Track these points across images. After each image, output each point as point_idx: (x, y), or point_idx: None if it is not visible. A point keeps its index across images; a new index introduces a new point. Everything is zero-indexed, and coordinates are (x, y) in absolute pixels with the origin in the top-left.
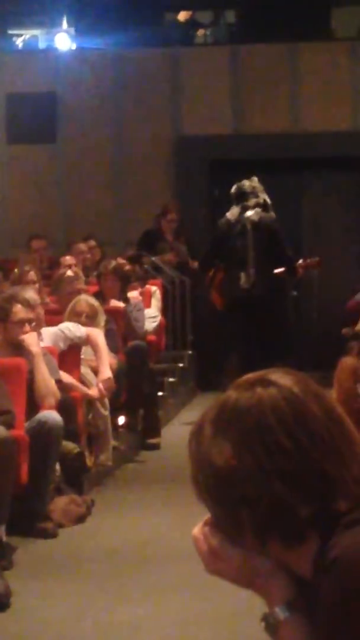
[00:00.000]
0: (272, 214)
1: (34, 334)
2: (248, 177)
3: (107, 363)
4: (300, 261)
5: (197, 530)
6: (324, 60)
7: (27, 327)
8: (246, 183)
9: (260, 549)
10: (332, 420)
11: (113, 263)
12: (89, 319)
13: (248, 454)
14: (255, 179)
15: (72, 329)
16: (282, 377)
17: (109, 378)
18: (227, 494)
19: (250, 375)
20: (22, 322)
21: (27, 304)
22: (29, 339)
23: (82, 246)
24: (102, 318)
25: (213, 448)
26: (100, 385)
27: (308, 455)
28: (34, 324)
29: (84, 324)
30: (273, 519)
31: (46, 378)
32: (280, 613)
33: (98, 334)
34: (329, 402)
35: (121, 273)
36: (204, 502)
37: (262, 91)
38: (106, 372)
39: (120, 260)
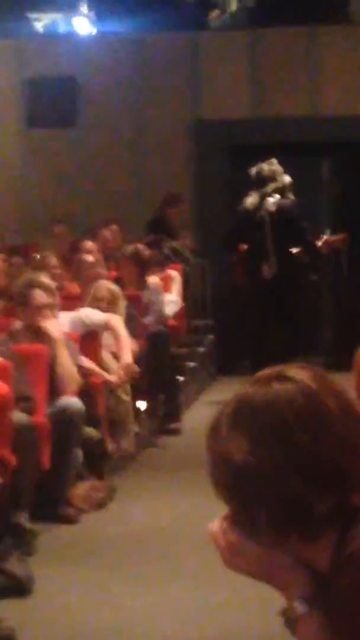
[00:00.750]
0: (291, 198)
1: (54, 320)
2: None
3: (128, 349)
4: (325, 237)
5: (215, 525)
6: (343, 43)
7: (47, 312)
8: (265, 167)
9: (278, 544)
10: (348, 416)
11: (131, 248)
12: (110, 305)
13: (265, 450)
14: (274, 161)
15: (90, 315)
16: (299, 373)
17: (130, 364)
18: (245, 489)
19: (267, 371)
20: (42, 307)
21: (47, 289)
22: (50, 324)
23: (107, 232)
24: (122, 304)
25: (230, 444)
26: (121, 371)
27: (324, 451)
28: (54, 309)
29: (104, 310)
30: (290, 514)
31: (68, 364)
32: (299, 607)
33: (118, 320)
34: (346, 398)
35: (139, 258)
36: (222, 497)
37: (281, 75)
38: (127, 358)
39: (139, 246)
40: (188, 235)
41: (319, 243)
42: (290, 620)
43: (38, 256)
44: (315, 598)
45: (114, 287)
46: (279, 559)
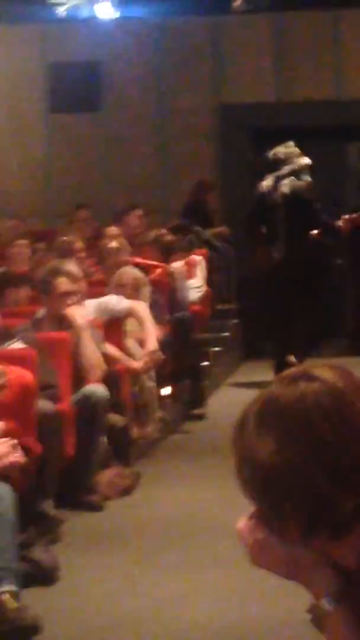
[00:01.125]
0: (306, 180)
1: (78, 307)
2: (298, 146)
3: (153, 335)
4: (346, 217)
5: (242, 523)
6: None
7: (71, 300)
8: (281, 150)
9: (305, 542)
10: None
11: (153, 234)
12: (134, 291)
13: (291, 449)
14: (291, 143)
15: (114, 302)
16: (325, 372)
17: (155, 350)
18: (271, 488)
19: (293, 369)
20: (66, 295)
21: (71, 277)
22: (74, 311)
23: (131, 218)
24: (146, 290)
25: (257, 443)
26: (146, 358)
27: (351, 450)
28: (78, 296)
29: (128, 296)
30: (318, 513)
31: (92, 351)
32: (327, 605)
33: (142, 307)
34: None
35: (161, 244)
36: (249, 495)
37: (305, 59)
38: (152, 344)
39: (161, 231)
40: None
41: (340, 223)
42: (317, 617)
43: (65, 238)
44: (342, 595)
45: (138, 273)
46: (306, 556)
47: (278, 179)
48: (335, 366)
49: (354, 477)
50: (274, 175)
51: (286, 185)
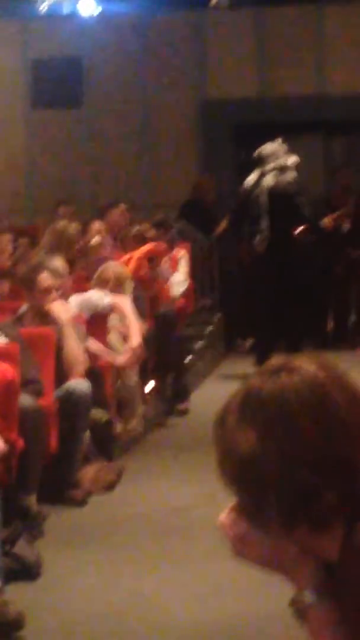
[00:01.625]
0: (291, 176)
1: (61, 302)
2: (273, 141)
3: (136, 330)
4: (334, 215)
5: (224, 516)
6: (350, 22)
7: (53, 295)
8: (267, 147)
9: (287, 534)
10: (355, 407)
11: (135, 229)
12: (116, 286)
13: (272, 441)
14: (279, 140)
15: (97, 297)
16: (306, 363)
17: (138, 346)
18: (253, 480)
19: (274, 361)
20: (48, 290)
21: (54, 272)
22: (57, 307)
23: (115, 213)
24: (129, 285)
25: (238, 435)
26: (130, 353)
27: (332, 442)
28: (60, 291)
29: (111, 291)
30: (298, 505)
31: (75, 346)
32: (309, 597)
33: (125, 302)
34: (353, 389)
35: (143, 239)
36: (230, 488)
37: (287, 54)
38: (136, 340)
39: (144, 226)
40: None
41: (325, 220)
42: (299, 609)
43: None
44: (324, 588)
45: (121, 268)
46: (288, 549)
47: (263, 174)
48: (316, 358)
49: (334, 469)
50: (259, 170)
51: (270, 180)
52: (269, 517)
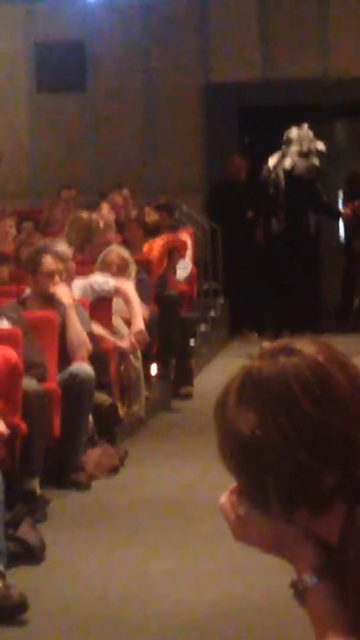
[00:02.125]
0: (312, 162)
1: (65, 286)
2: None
3: (139, 315)
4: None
5: (224, 498)
6: (354, 4)
7: (57, 279)
8: (294, 131)
9: (287, 516)
10: (356, 389)
11: (135, 212)
12: (120, 270)
13: (272, 423)
14: (305, 126)
15: (100, 281)
16: (306, 346)
17: (141, 330)
18: (253, 462)
19: (274, 344)
20: (52, 274)
21: (57, 256)
22: (61, 291)
23: (117, 197)
24: (133, 268)
25: (238, 417)
26: (132, 337)
27: (332, 424)
28: (64, 275)
29: (114, 275)
30: (298, 487)
31: (78, 330)
32: (309, 580)
33: (128, 286)
34: (354, 371)
35: (143, 222)
36: (230, 470)
37: (291, 36)
38: (138, 324)
39: (147, 209)
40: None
41: (345, 209)
42: (299, 592)
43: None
44: (324, 570)
45: (124, 252)
46: (288, 531)
47: (284, 156)
48: (317, 340)
49: (333, 450)
50: (281, 152)
51: (288, 163)
52: (268, 499)
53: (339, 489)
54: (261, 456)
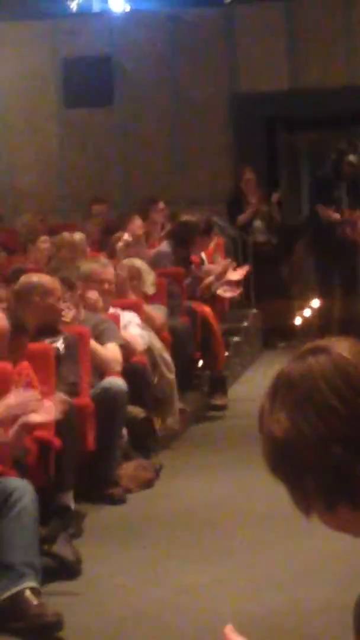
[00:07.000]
0: None
1: (70, 313)
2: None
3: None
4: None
5: None
6: None
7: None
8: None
9: (331, 515)
10: None
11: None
12: (133, 282)
13: (304, 422)
14: None
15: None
16: (336, 344)
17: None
18: (290, 464)
19: (305, 345)
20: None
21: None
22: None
23: (156, 215)
24: (148, 278)
25: (272, 421)
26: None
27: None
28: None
29: (131, 288)
30: (336, 483)
31: (102, 350)
32: None
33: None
34: None
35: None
36: (276, 476)
37: (318, 46)
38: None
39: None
40: (264, 205)
41: None
42: None
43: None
44: None
45: (137, 262)
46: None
47: (342, 153)
48: (344, 340)
49: None
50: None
51: (354, 157)
52: (310, 500)
53: None
54: (296, 456)
